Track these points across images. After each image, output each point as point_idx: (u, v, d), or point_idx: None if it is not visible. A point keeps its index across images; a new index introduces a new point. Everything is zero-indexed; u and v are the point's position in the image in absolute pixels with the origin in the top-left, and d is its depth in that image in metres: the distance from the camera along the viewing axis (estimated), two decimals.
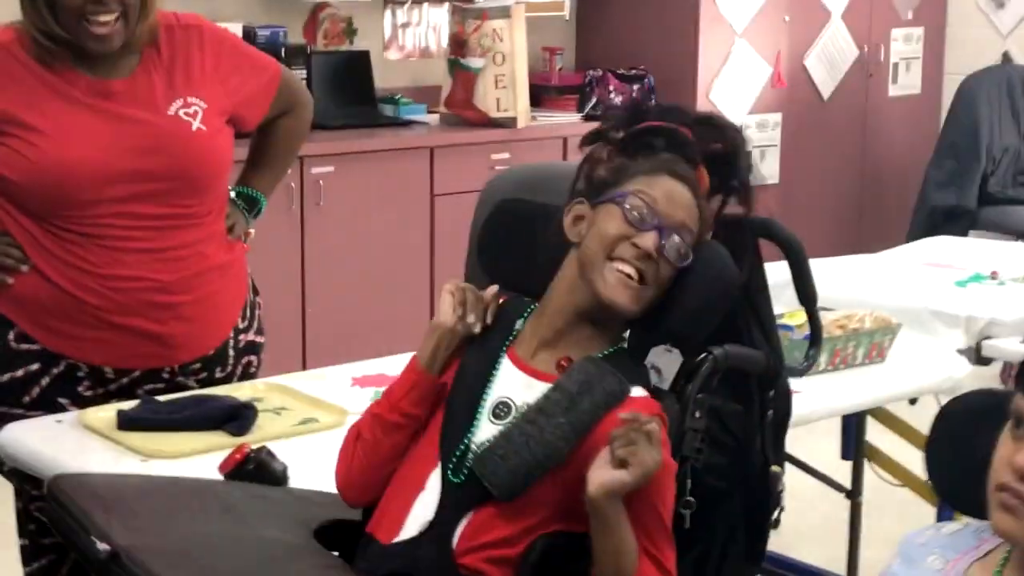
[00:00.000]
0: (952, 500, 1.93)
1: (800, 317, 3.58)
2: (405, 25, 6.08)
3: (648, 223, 2.14)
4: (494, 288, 2.26)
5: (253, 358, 3.27)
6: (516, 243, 2.34)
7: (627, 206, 2.16)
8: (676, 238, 2.14)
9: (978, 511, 1.82)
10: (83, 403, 3.02)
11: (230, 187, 3.28)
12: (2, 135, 2.96)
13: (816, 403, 3.24)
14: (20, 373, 3.04)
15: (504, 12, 5.96)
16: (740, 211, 2.40)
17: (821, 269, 4.03)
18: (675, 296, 2.19)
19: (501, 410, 2.14)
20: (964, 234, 6.30)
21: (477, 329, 2.21)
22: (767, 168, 6.86)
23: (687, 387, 2.23)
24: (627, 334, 2.31)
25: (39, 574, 3.12)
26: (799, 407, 3.11)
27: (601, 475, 1.97)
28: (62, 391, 3.05)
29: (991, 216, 6.63)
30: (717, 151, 2.31)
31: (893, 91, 7.36)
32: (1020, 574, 1.74)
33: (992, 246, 4.61)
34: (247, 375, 3.25)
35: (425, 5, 6.10)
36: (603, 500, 1.97)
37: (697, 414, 2.24)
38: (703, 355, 2.24)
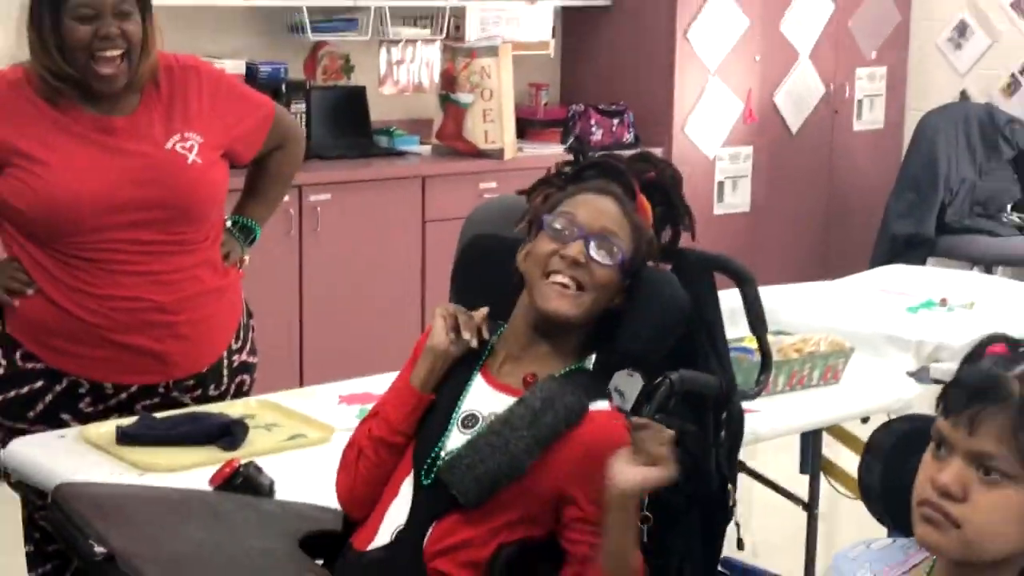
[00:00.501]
0: (883, 517, 1.95)
1: None
2: (399, 62, 6.10)
3: (572, 235, 2.19)
4: (484, 309, 2.30)
5: (246, 377, 3.29)
6: (487, 276, 2.37)
7: (555, 225, 2.21)
8: (602, 242, 2.19)
9: (906, 528, 1.85)
10: (84, 418, 3.04)
11: (226, 216, 3.30)
12: (11, 167, 2.99)
13: (775, 421, 3.27)
14: (25, 390, 3.06)
15: (492, 51, 5.99)
16: (693, 245, 2.46)
17: (782, 295, 4.10)
18: (629, 319, 2.24)
19: (469, 421, 2.19)
20: (923, 261, 6.33)
21: (474, 344, 2.25)
22: (739, 198, 6.90)
23: (644, 409, 2.26)
24: (592, 357, 2.36)
25: None
26: (760, 425, 3.17)
27: (635, 472, 1.98)
28: (65, 407, 3.07)
29: (948, 244, 6.65)
30: (651, 179, 2.36)
31: (857, 126, 7.37)
32: None
33: (942, 274, 4.63)
34: (240, 393, 3.26)
35: (418, 43, 6.12)
36: (633, 496, 2.02)
37: None
38: (660, 379, 2.28)
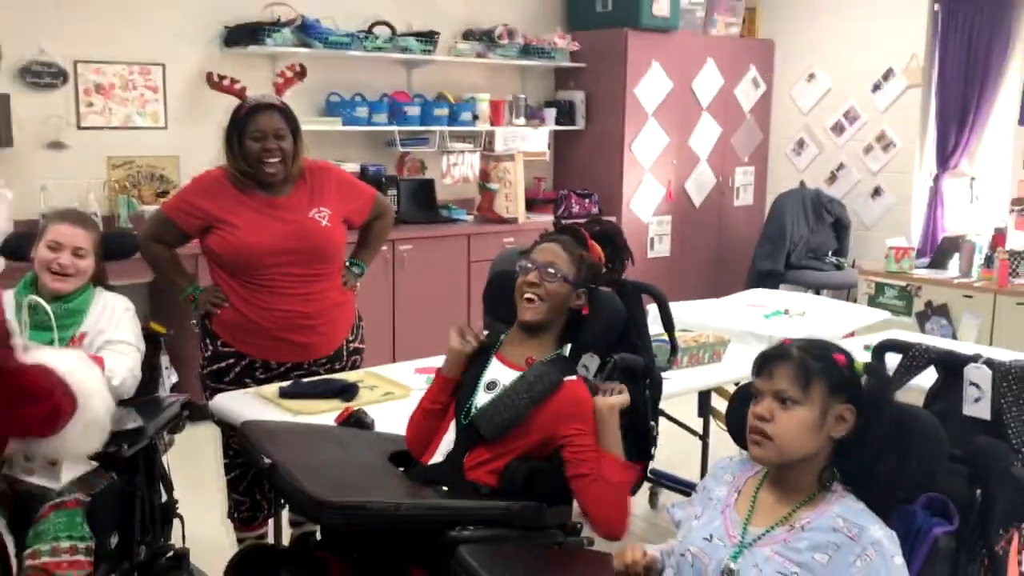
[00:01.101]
0: (739, 441, 1.96)
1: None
2: (454, 164, 6.13)
3: (531, 268, 2.22)
4: (479, 325, 2.32)
5: (357, 357, 3.29)
6: (504, 296, 2.37)
7: (525, 265, 2.25)
8: (547, 267, 2.21)
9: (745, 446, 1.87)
10: (259, 382, 3.06)
11: (346, 259, 3.31)
12: (215, 229, 3.02)
13: (682, 384, 3.29)
14: (223, 365, 3.09)
15: (511, 157, 6.01)
16: (628, 274, 2.48)
17: (688, 307, 4.10)
18: (588, 323, 2.26)
19: (491, 385, 2.20)
20: (776, 287, 6.29)
21: (475, 344, 2.26)
22: (663, 248, 6.89)
23: (599, 376, 2.28)
24: (568, 347, 2.36)
25: (234, 480, 3.16)
26: (673, 387, 3.18)
27: (611, 399, 2.12)
28: (247, 375, 3.09)
29: (793, 276, 6.62)
30: (597, 231, 2.38)
31: (737, 203, 7.33)
32: (773, 485, 1.78)
33: (786, 295, 4.60)
34: (354, 367, 3.26)
35: (466, 153, 6.15)
36: (615, 410, 2.12)
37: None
38: (608, 359, 2.30)
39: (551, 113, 6.57)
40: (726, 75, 7.04)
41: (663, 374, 2.72)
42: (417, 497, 2.02)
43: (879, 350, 2.16)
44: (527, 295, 2.20)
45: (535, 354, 2.21)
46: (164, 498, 2.74)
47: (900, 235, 6.43)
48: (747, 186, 7.40)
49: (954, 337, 5.30)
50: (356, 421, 2.53)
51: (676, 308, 4.04)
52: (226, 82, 3.08)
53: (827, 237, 6.83)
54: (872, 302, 5.63)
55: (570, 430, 2.11)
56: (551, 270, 2.20)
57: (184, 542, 2.88)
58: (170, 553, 2.79)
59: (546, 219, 6.28)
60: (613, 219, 6.39)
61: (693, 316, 3.92)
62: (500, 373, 2.22)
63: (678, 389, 3.24)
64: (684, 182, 6.96)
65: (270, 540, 3.07)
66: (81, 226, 2.52)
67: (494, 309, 2.40)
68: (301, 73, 3.11)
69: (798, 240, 6.72)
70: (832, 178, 7.18)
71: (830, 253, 6.83)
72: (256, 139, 2.97)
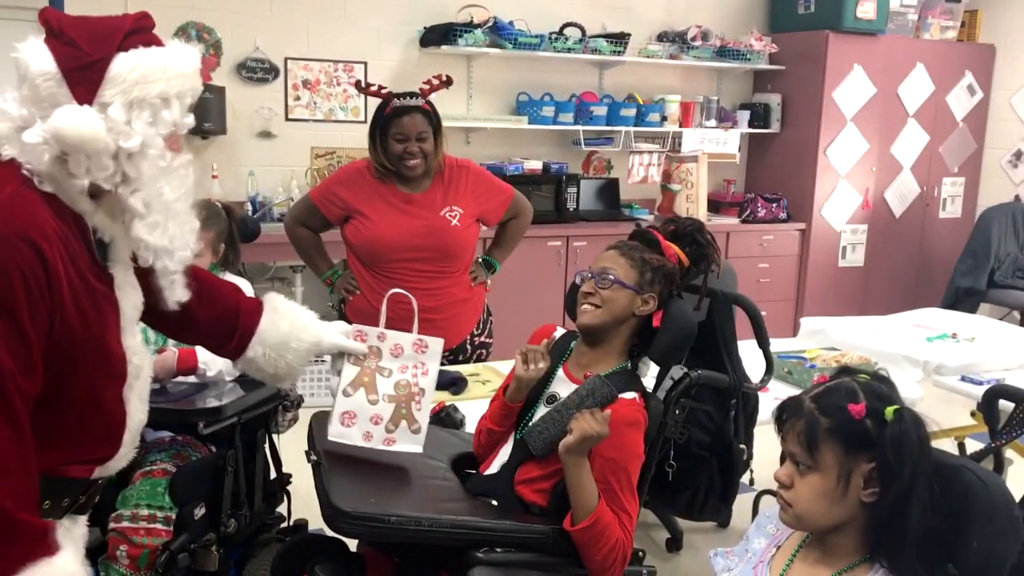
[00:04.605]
0: None
1: (814, 353, 3.25)
2: (639, 164, 5.88)
3: (587, 276, 1.99)
4: (545, 345, 2.05)
5: (483, 351, 3.18)
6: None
7: (584, 275, 2.02)
8: (600, 274, 1.98)
9: None
10: None
11: (480, 255, 3.19)
12: (353, 219, 3.00)
13: None
14: None
15: (694, 158, 5.67)
16: (721, 288, 2.20)
17: (844, 324, 3.67)
18: (658, 336, 1.99)
19: (551, 399, 2.00)
20: (976, 308, 5.64)
21: (543, 369, 2.00)
22: (855, 257, 6.32)
23: (670, 393, 2.03)
24: (648, 361, 2.10)
25: None
26: None
27: (568, 439, 1.79)
28: None
29: (996, 296, 5.88)
30: (672, 230, 2.10)
31: (942, 215, 6.60)
32: (813, 547, 1.46)
33: (959, 316, 4.00)
34: (480, 359, 3.15)
35: (654, 153, 5.88)
36: (562, 453, 1.80)
37: (677, 411, 2.03)
38: (687, 375, 2.04)
39: (744, 116, 6.16)
40: (937, 81, 6.34)
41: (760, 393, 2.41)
42: (461, 513, 1.82)
43: (989, 397, 1.76)
44: (582, 305, 1.98)
45: (598, 366, 1.98)
46: (273, 474, 2.70)
47: None
48: (955, 198, 6.65)
49: None
50: (446, 417, 2.41)
51: (831, 323, 3.64)
52: (373, 88, 3.04)
53: None
54: None
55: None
56: (610, 276, 1.96)
57: (290, 516, 2.83)
58: (283, 524, 2.76)
59: (730, 221, 5.93)
60: (801, 226, 5.93)
61: (847, 334, 3.50)
62: (562, 386, 2.01)
63: None
64: (884, 191, 6.34)
65: None
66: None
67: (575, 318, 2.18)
68: (447, 82, 3.02)
69: (1004, 257, 5.96)
70: None
71: None
72: (399, 140, 2.92)
